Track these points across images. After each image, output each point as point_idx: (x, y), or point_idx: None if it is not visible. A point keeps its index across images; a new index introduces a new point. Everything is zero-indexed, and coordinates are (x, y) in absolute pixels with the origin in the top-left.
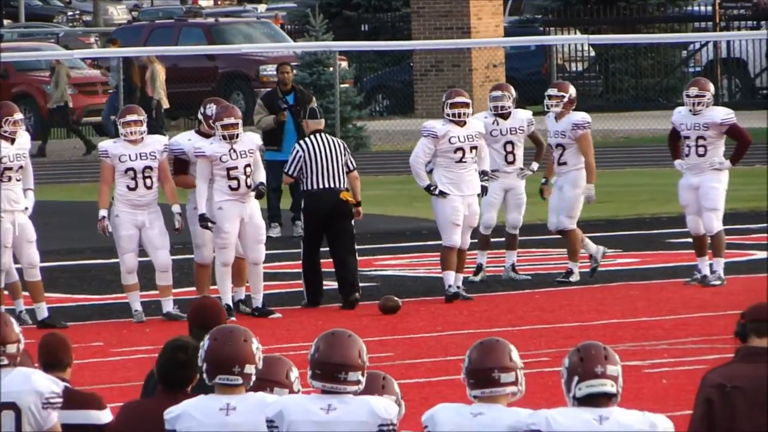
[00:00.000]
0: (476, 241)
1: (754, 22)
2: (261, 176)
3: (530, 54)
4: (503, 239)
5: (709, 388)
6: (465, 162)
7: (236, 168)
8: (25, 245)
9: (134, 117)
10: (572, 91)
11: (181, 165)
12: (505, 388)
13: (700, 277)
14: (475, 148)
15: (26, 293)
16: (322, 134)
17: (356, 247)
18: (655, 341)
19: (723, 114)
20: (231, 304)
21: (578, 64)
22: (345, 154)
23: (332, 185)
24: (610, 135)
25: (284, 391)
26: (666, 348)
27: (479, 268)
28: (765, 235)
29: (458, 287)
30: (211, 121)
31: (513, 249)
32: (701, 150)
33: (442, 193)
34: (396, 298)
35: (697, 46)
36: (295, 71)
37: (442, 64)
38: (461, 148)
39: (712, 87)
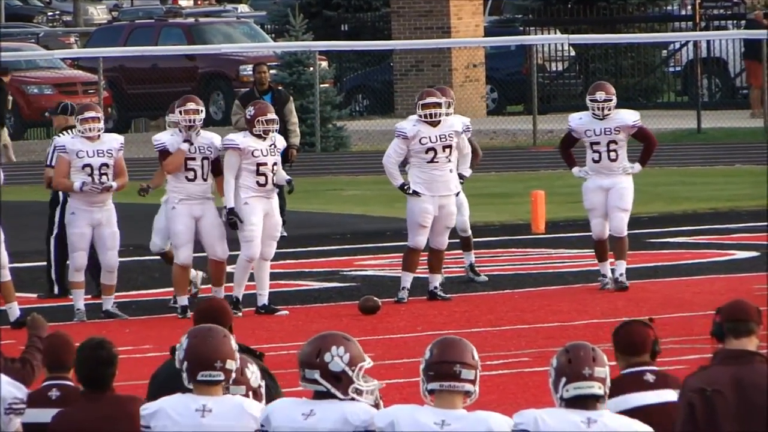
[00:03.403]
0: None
1: (735, 22)
2: (284, 174)
3: (510, 54)
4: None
5: (690, 393)
6: (437, 162)
7: (266, 164)
8: None
9: (92, 114)
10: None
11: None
12: (464, 385)
13: (611, 279)
14: (449, 147)
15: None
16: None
17: (333, 247)
18: None
19: (633, 116)
20: (240, 298)
21: (558, 63)
22: None
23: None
24: None
25: (241, 388)
26: None
27: (472, 268)
28: (745, 234)
29: (435, 288)
30: (248, 117)
31: (468, 250)
32: (613, 155)
33: (416, 193)
34: (376, 299)
35: (677, 45)
36: (273, 71)
37: (422, 63)
38: (433, 148)
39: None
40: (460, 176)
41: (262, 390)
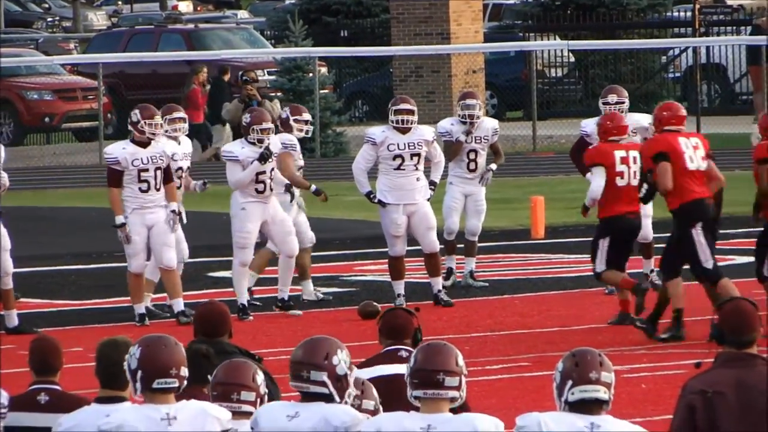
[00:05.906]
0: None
1: (734, 28)
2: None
3: (510, 60)
4: (461, 245)
5: (690, 395)
6: (403, 170)
7: (264, 173)
8: (1, 253)
9: (176, 114)
10: None
11: (114, 177)
12: (448, 392)
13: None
14: (417, 155)
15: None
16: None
17: (333, 252)
18: (634, 346)
19: (647, 119)
20: (246, 304)
21: (558, 69)
22: None
23: None
24: None
25: (252, 393)
26: (645, 353)
27: (450, 273)
28: (744, 240)
29: (438, 291)
30: (245, 124)
31: (471, 256)
32: None
33: (381, 202)
34: (375, 303)
35: (677, 51)
36: (272, 77)
37: (421, 69)
38: (400, 156)
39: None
40: (432, 183)
41: (266, 397)
